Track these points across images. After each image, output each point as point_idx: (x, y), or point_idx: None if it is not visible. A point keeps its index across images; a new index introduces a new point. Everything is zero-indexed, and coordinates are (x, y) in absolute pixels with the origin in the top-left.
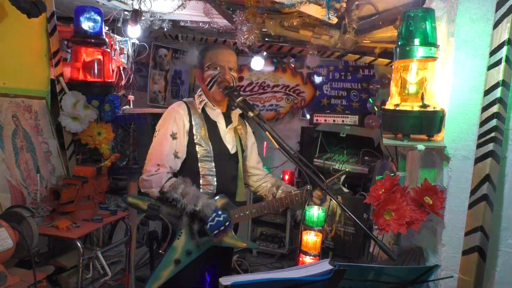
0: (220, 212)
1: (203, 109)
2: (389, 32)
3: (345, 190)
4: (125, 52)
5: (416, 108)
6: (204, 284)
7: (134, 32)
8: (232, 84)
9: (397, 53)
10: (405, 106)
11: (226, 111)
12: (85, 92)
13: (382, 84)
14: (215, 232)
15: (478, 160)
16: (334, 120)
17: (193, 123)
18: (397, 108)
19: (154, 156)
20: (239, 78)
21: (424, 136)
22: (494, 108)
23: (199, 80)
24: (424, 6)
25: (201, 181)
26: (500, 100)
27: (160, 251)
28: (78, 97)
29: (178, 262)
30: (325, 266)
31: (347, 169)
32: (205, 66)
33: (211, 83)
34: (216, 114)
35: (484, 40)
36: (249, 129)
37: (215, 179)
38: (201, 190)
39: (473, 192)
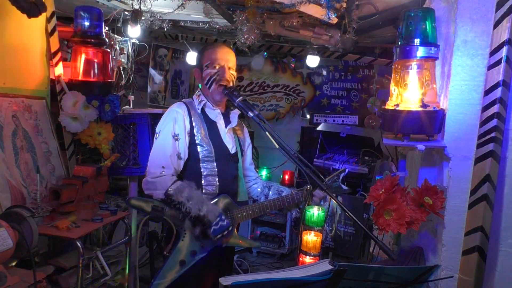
0: (223, 217)
1: (203, 110)
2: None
3: (344, 187)
4: (125, 52)
5: (416, 108)
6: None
7: (134, 32)
8: (231, 83)
9: (397, 53)
10: (405, 106)
11: (225, 111)
12: (85, 92)
13: (382, 84)
14: (218, 236)
15: (478, 160)
16: (334, 120)
17: (193, 124)
18: (397, 108)
19: (158, 158)
20: (239, 78)
21: (424, 136)
22: (494, 108)
23: (198, 79)
24: (424, 6)
25: (203, 181)
26: (500, 100)
27: (165, 253)
28: (78, 97)
29: (183, 263)
30: (325, 266)
31: (346, 169)
32: (204, 65)
33: (210, 82)
34: (216, 114)
35: (484, 40)
36: (246, 129)
37: (217, 179)
38: (203, 190)
39: (473, 192)
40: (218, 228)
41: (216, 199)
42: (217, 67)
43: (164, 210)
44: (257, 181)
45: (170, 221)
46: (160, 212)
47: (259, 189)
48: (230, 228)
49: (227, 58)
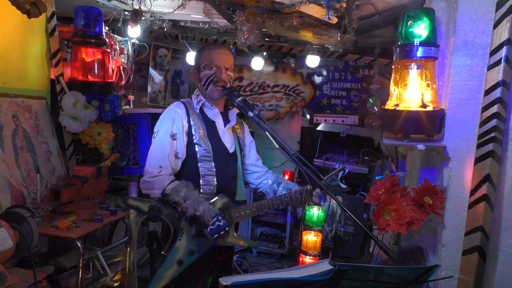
0: (220, 218)
1: (201, 109)
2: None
3: (343, 186)
4: (125, 52)
5: (416, 108)
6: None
7: (134, 32)
8: (228, 84)
9: (397, 53)
10: (405, 106)
11: (224, 110)
12: (85, 92)
13: (382, 84)
14: (215, 236)
15: (478, 160)
16: (334, 120)
17: (191, 123)
18: (397, 108)
19: (156, 157)
20: (239, 78)
21: (424, 136)
22: (494, 108)
23: (195, 80)
24: (424, 6)
25: (201, 181)
26: (500, 100)
27: (162, 252)
28: (78, 97)
29: (181, 263)
30: (325, 266)
31: (345, 168)
32: (201, 66)
33: (207, 83)
34: (214, 113)
35: (484, 40)
36: (246, 128)
37: (215, 178)
38: (201, 190)
39: (473, 192)
40: (214, 228)
41: (214, 199)
42: (214, 68)
43: (161, 210)
44: (267, 175)
45: (167, 220)
46: (157, 211)
47: (270, 181)
48: (227, 229)
49: (224, 59)
